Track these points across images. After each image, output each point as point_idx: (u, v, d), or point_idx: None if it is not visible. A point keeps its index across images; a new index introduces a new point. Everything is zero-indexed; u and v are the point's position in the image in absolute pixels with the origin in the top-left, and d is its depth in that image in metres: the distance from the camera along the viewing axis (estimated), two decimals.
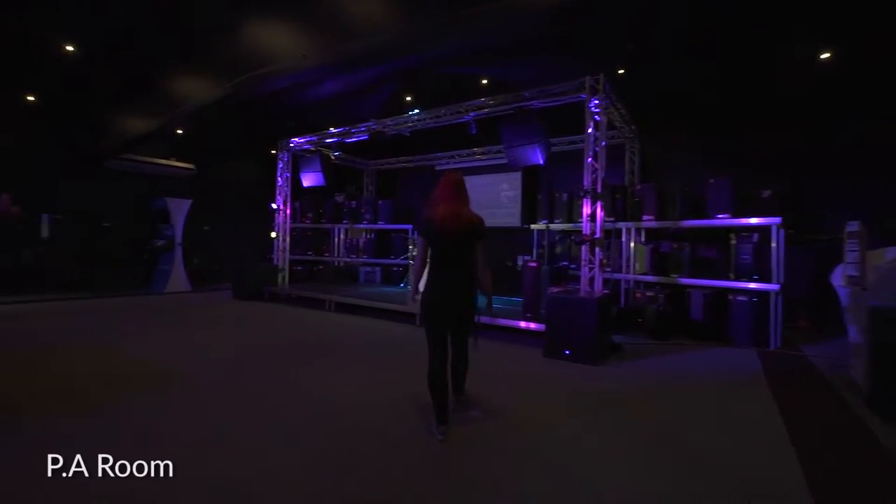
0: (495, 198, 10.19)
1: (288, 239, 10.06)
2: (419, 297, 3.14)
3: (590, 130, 5.70)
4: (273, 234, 9.90)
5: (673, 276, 6.58)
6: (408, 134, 7.99)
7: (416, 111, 7.76)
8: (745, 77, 6.83)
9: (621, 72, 6.68)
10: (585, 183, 5.68)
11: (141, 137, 9.20)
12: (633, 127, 7.80)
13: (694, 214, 6.68)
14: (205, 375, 4.12)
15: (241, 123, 10.19)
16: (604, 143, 5.71)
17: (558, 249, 8.78)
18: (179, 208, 10.25)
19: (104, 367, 4.30)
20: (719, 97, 7.52)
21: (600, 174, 5.65)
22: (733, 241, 6.12)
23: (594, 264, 5.71)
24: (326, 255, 11.66)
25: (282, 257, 9.94)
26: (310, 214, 11.66)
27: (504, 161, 9.85)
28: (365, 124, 8.15)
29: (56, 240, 9.39)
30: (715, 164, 7.40)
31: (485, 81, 8.06)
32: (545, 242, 8.75)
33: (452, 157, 10.79)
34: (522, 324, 5.99)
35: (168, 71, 7.59)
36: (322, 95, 8.86)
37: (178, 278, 10.17)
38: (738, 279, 5.96)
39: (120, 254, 10.21)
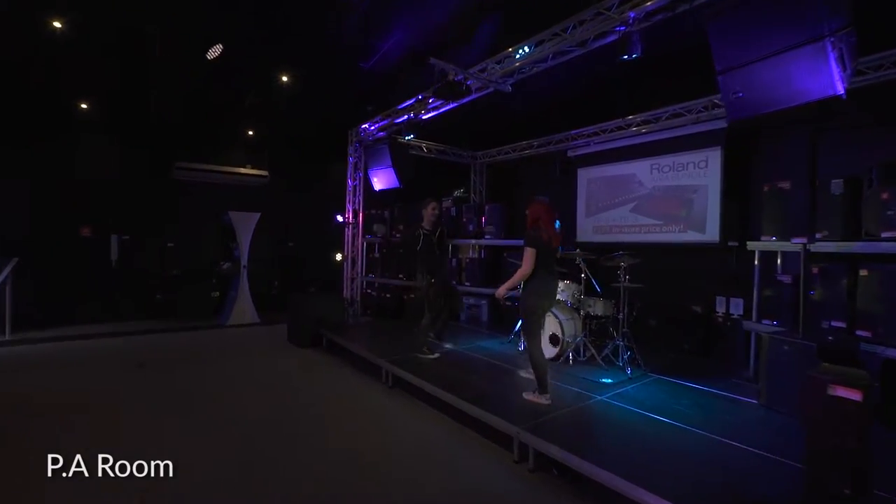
0: (668, 195, 6.08)
1: (360, 262, 7.48)
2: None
3: None
4: (339, 257, 7.41)
5: None
6: (509, 89, 4.59)
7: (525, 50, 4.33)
8: None
9: None
10: None
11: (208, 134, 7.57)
12: None
13: None
14: None
15: (314, 111, 8.00)
16: None
17: (817, 294, 4.37)
18: (245, 223, 8.47)
19: None
20: None
21: None
22: None
23: None
24: None
25: (350, 286, 7.39)
26: (401, 226, 9.00)
27: (684, 132, 5.77)
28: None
29: (124, 263, 8.35)
30: None
31: None
32: (782, 277, 4.50)
33: (595, 133, 6.95)
34: None
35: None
36: (398, 55, 6.04)
37: (243, 308, 8.38)
38: None
39: (190, 278, 8.87)
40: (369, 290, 9.36)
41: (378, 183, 6.95)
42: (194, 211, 8.87)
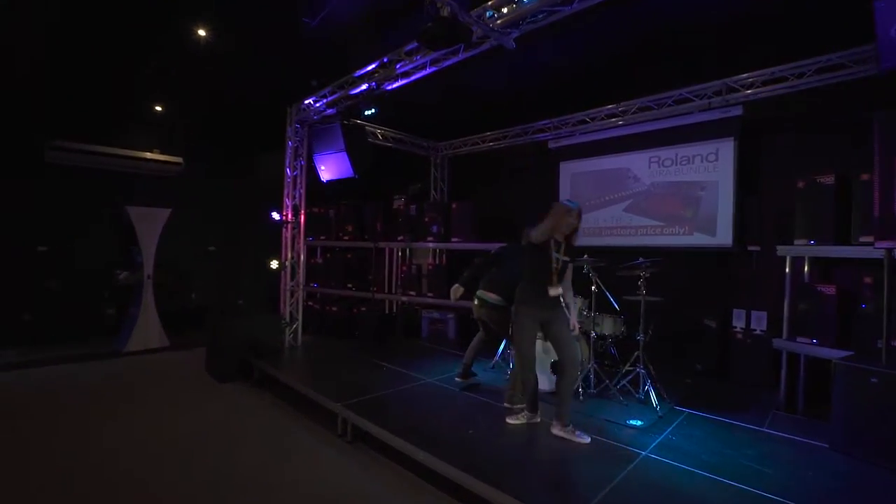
0: (670, 192, 5.32)
1: (301, 268, 6.04)
2: None
3: None
4: (274, 265, 5.93)
5: None
6: (513, 45, 3.51)
7: None
8: None
9: None
10: None
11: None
12: None
13: None
14: None
15: (243, 80, 6.43)
16: None
17: (869, 308, 3.71)
18: (150, 222, 6.69)
19: None
20: None
21: None
22: None
23: None
24: (374, 289, 7.49)
25: (290, 299, 5.93)
26: (349, 227, 7.67)
27: (690, 121, 5.04)
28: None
29: None
30: None
31: None
32: (823, 288, 3.80)
33: (582, 121, 6.09)
34: None
35: None
36: (355, 8, 4.73)
37: (147, 329, 6.57)
38: None
39: (73, 291, 6.89)
40: (311, 303, 7.90)
41: (326, 172, 5.59)
42: (79, 205, 6.90)
